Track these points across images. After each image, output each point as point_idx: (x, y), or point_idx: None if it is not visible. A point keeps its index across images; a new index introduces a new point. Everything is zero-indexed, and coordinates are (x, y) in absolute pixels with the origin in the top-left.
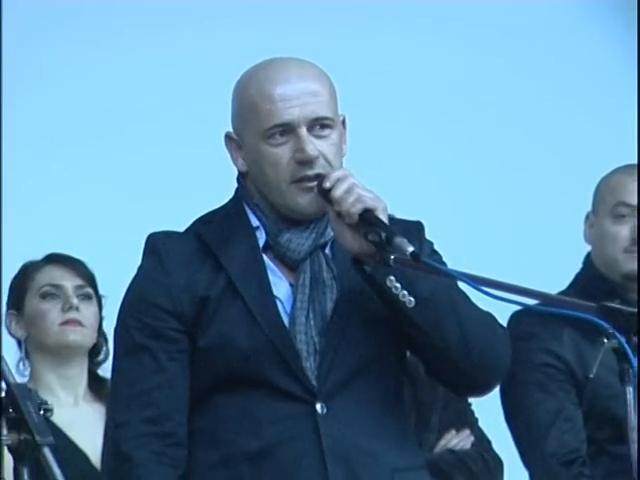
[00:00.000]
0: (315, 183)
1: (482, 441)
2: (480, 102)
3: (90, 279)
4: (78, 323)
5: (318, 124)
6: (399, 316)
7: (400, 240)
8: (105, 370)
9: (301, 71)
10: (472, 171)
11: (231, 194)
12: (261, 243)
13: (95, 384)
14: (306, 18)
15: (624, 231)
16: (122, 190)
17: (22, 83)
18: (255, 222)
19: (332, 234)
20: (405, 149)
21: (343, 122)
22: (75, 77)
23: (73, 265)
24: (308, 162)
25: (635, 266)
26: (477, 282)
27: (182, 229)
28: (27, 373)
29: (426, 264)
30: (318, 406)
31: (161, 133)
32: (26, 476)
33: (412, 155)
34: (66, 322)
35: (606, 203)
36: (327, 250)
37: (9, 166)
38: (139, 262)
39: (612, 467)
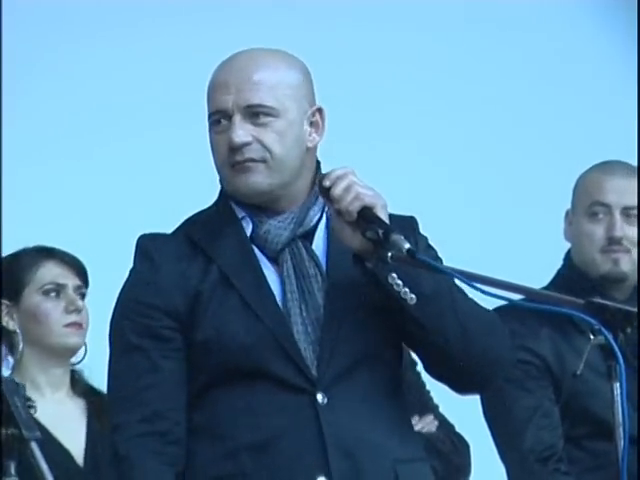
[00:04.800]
0: (247, 164)
1: (446, 424)
2: (480, 99)
3: (86, 279)
4: (80, 326)
5: (253, 112)
6: (401, 313)
7: (397, 237)
8: (85, 367)
9: (248, 60)
10: (461, 166)
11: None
12: (248, 232)
13: (74, 379)
14: (305, 9)
15: (599, 231)
16: (114, 186)
17: (20, 77)
18: (240, 213)
19: (312, 224)
20: (402, 140)
21: (320, 112)
22: (70, 72)
23: (74, 264)
24: (236, 148)
25: (612, 267)
26: (470, 279)
27: (172, 229)
28: (10, 365)
29: (421, 261)
30: (319, 396)
31: (155, 131)
32: (12, 470)
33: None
34: (70, 324)
35: (582, 202)
36: (319, 237)
37: (7, 158)
38: (130, 264)
39: (590, 464)
